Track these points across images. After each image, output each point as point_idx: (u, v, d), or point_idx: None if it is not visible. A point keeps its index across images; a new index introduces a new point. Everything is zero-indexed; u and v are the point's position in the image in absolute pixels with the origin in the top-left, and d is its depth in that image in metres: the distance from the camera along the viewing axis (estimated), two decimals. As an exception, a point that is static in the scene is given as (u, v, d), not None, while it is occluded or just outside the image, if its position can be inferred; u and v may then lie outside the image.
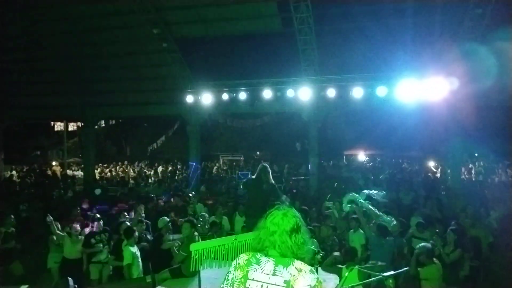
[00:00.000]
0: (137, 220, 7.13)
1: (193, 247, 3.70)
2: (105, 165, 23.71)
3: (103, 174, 20.09)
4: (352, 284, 2.60)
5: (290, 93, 12.72)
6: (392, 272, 2.82)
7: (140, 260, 6.02)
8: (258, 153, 29.27)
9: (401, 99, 12.09)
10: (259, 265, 2.21)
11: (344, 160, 25.50)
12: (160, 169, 21.18)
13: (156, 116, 21.13)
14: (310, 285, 2.13)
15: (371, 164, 25.15)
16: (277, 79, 13.16)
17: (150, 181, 17.46)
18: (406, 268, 3.43)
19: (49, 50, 14.78)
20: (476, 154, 20.92)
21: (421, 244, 5.62)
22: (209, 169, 21.76)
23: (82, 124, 16.78)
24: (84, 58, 15.03)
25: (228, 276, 2.29)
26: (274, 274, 2.16)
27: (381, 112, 15.90)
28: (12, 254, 7.47)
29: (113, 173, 20.63)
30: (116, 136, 29.83)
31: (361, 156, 26.68)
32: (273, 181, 6.19)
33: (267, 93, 12.79)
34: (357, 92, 12.21)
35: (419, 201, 10.32)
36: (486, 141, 16.29)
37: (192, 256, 3.66)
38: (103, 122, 27.96)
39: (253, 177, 6.28)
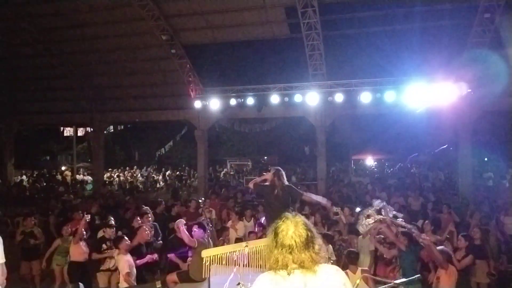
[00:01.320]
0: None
1: (205, 253, 3.72)
2: (114, 170, 23.91)
3: (111, 179, 20.25)
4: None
5: (297, 98, 12.75)
6: (403, 280, 2.82)
7: (134, 269, 6.04)
8: (265, 157, 29.32)
9: (410, 104, 12.08)
10: (286, 281, 2.13)
11: (352, 165, 25.40)
12: (168, 173, 21.29)
13: (164, 121, 21.27)
14: (343, 282, 2.16)
15: (379, 168, 25.02)
16: (284, 84, 13.21)
17: (158, 186, 17.54)
18: (418, 275, 3.42)
19: (59, 57, 14.99)
20: (486, 159, 20.74)
21: (439, 247, 5.57)
22: (217, 174, 21.85)
23: (91, 129, 16.94)
24: (94, 65, 15.22)
25: None
26: (305, 285, 2.12)
27: (389, 117, 15.85)
28: (31, 252, 7.67)
29: (121, 178, 20.76)
30: (125, 141, 30.05)
31: (369, 160, 26.56)
32: (286, 183, 5.91)
33: (274, 98, 12.84)
34: (365, 97, 12.21)
35: (428, 206, 10.23)
36: (495, 146, 16.17)
37: (203, 262, 3.67)
38: (111, 127, 28.16)
39: (266, 183, 5.98)
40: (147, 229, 6.48)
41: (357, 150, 25.54)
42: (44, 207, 11.75)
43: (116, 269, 6.35)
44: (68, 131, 25.75)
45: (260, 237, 7.37)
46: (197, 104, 13.54)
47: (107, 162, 23.98)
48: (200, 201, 4.90)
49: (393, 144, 22.06)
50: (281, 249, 2.16)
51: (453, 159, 13.49)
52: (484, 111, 12.33)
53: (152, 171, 23.92)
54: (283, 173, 5.97)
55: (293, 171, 21.14)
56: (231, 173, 22.92)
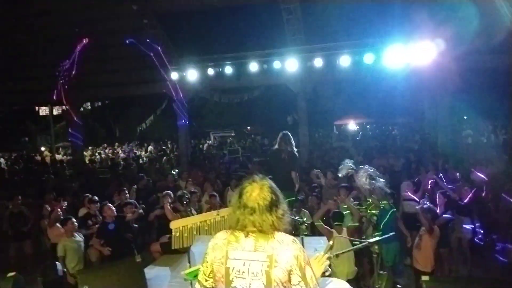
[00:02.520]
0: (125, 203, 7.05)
1: (173, 224, 3.63)
2: (95, 148, 23.51)
3: (93, 157, 19.91)
4: (337, 252, 2.57)
5: (276, 64, 12.50)
6: (377, 238, 2.80)
7: (79, 251, 6.01)
8: (248, 128, 29.19)
9: (389, 66, 11.99)
10: (239, 243, 2.14)
11: (335, 130, 25.52)
12: (150, 148, 21.03)
13: (144, 96, 20.77)
14: (294, 255, 2.08)
15: (361, 132, 25.21)
16: (262, 51, 12.90)
17: (141, 161, 17.33)
18: (392, 233, 3.43)
19: (28, 33, 14.26)
20: (466, 117, 21.04)
21: (426, 206, 5.65)
22: (200, 147, 21.68)
23: (67, 107, 16.45)
24: (64, 40, 14.54)
25: (207, 258, 2.22)
26: (256, 250, 2.10)
27: (370, 80, 15.77)
28: (21, 233, 7.65)
29: (103, 155, 20.43)
30: (104, 118, 29.43)
31: (352, 125, 26.73)
32: (294, 149, 5.99)
33: (253, 66, 12.55)
34: (345, 61, 12.04)
35: (410, 166, 10.36)
36: (474, 103, 16.35)
37: (173, 234, 3.59)
38: (89, 104, 27.46)
39: (275, 147, 6.07)
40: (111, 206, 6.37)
41: (339, 116, 25.64)
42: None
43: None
44: (44, 111, 25.02)
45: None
46: (174, 75, 13.18)
47: (87, 140, 23.57)
48: (173, 172, 4.76)
49: (374, 108, 22.16)
50: (243, 210, 2.14)
51: (433, 118, 13.57)
52: (463, 69, 12.34)
53: (134, 146, 23.58)
54: (291, 137, 5.96)
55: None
56: (215, 145, 22.78)
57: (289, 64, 12.40)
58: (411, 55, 11.27)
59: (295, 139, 16.17)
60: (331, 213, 5.56)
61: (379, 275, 3.55)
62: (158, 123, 27.69)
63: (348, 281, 4.68)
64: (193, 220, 3.73)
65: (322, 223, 5.34)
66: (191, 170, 11.95)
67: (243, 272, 2.09)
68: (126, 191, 7.88)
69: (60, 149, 25.39)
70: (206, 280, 2.21)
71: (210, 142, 24.13)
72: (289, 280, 2.08)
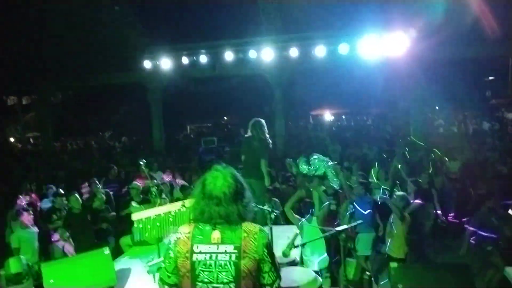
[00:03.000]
0: (94, 195, 6.87)
1: (135, 216, 3.51)
2: (66, 139, 22.85)
3: (64, 149, 19.36)
4: (305, 241, 2.55)
5: (252, 54, 12.36)
6: (345, 226, 2.79)
7: (34, 243, 5.84)
8: (225, 118, 29.00)
9: (364, 56, 12.07)
10: (204, 236, 2.08)
11: (311, 120, 25.68)
12: (124, 139, 20.61)
13: (117, 85, 20.24)
14: (263, 243, 2.07)
15: (338, 122, 25.49)
16: (238, 40, 12.73)
17: (114, 152, 16.98)
18: (359, 221, 3.44)
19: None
20: (437, 108, 21.55)
21: (400, 193, 5.72)
22: (176, 138, 21.41)
23: (35, 96, 15.87)
24: (30, 27, 13.92)
25: (169, 253, 2.13)
26: (222, 242, 2.06)
27: (345, 71, 15.87)
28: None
29: (74, 146, 19.89)
30: (76, 108, 28.53)
31: (328, 115, 26.98)
32: (266, 136, 5.76)
33: (228, 55, 12.38)
34: (320, 51, 12.04)
35: (382, 155, 10.52)
36: (445, 93, 16.71)
37: (135, 226, 3.48)
38: (59, 94, 26.60)
39: (247, 135, 5.84)
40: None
41: (316, 106, 25.81)
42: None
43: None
44: (12, 100, 24.09)
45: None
46: (147, 64, 12.81)
47: (58, 131, 22.87)
48: (141, 162, 4.60)
49: (350, 98, 22.38)
50: (208, 201, 2.07)
51: (406, 109, 13.81)
52: (434, 60, 12.58)
53: (107, 137, 23.05)
54: (263, 124, 5.74)
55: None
56: (191, 135, 22.54)
57: (264, 54, 12.27)
58: (384, 46, 11.37)
59: (272, 130, 16.21)
60: (302, 202, 5.55)
61: (348, 263, 3.57)
62: (135, 113, 27.07)
63: (321, 270, 4.72)
64: (157, 211, 3.61)
65: (292, 212, 5.32)
66: (165, 161, 11.78)
67: (210, 265, 2.04)
68: (97, 182, 7.68)
69: (31, 140, 24.58)
70: (169, 277, 2.13)
71: (186, 132, 23.84)
72: (258, 269, 2.06)
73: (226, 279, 2.00)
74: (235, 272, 2.00)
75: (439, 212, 6.69)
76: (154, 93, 14.31)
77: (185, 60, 12.57)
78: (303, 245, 2.54)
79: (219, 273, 2.01)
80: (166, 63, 12.72)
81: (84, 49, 14.58)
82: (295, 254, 2.84)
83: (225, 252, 2.03)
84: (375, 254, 6.19)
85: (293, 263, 2.76)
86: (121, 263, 4.71)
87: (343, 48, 11.86)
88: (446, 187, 7.58)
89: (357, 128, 20.23)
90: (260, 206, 3.74)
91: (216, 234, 2.06)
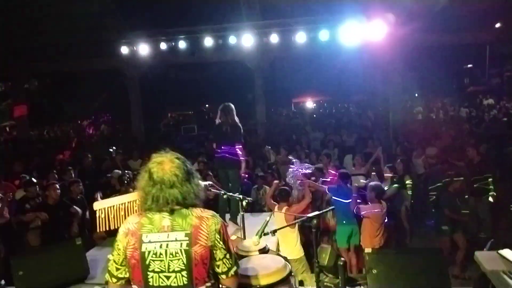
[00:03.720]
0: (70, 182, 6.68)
1: (97, 205, 3.40)
2: (43, 127, 22.26)
3: (41, 137, 18.87)
4: (275, 228, 2.52)
5: (232, 40, 12.20)
6: (316, 212, 2.77)
7: None
8: (207, 105, 28.72)
9: (344, 43, 12.04)
10: (153, 225, 2.01)
11: (293, 108, 25.69)
12: (103, 127, 20.22)
13: (95, 72, 19.72)
14: (216, 229, 2.01)
15: (320, 110, 25.54)
16: (218, 26, 12.52)
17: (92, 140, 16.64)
18: (331, 207, 3.43)
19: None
20: (416, 95, 21.79)
21: (373, 183, 5.71)
22: (157, 126, 21.08)
23: (9, 83, 15.34)
24: (3, 11, 13.35)
25: (118, 245, 2.05)
26: (173, 229, 1.99)
27: (326, 58, 15.85)
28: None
29: (51, 134, 19.42)
30: (53, 94, 27.75)
31: (309, 103, 27.03)
32: (237, 121, 5.49)
33: (208, 41, 12.18)
34: (300, 37, 11.97)
35: (361, 142, 10.61)
36: (424, 81, 16.90)
37: (97, 215, 3.37)
38: (36, 81, 25.79)
39: (217, 121, 5.56)
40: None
41: (298, 93, 25.81)
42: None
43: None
44: (-15, 87, 23.26)
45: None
46: (124, 49, 12.50)
47: (36, 119, 22.25)
48: (111, 150, 4.42)
49: (331, 86, 22.44)
50: (161, 186, 2.01)
51: (386, 96, 13.89)
52: (414, 47, 12.65)
53: (86, 125, 22.57)
54: (232, 108, 5.48)
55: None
56: (171, 123, 22.27)
57: (245, 40, 12.13)
58: (364, 32, 11.37)
59: (253, 117, 16.06)
60: (278, 190, 5.51)
61: (322, 249, 3.56)
62: (112, 101, 26.53)
63: (298, 259, 4.71)
64: (120, 200, 3.49)
65: (271, 200, 5.30)
66: (143, 149, 11.57)
67: (161, 254, 1.97)
68: (71, 171, 7.49)
69: (7, 129, 23.84)
70: (118, 269, 2.06)
71: (166, 120, 23.53)
72: (211, 256, 2.01)
73: (178, 267, 1.95)
74: (187, 260, 1.95)
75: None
76: (132, 80, 14.00)
77: (163, 45, 12.30)
78: (273, 233, 2.50)
79: (170, 261, 1.96)
80: (144, 49, 12.43)
81: (59, 34, 14.11)
82: (268, 241, 2.80)
83: (176, 240, 1.97)
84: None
85: (263, 251, 2.72)
86: (93, 254, 4.61)
87: (323, 35, 11.82)
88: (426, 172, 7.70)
89: (338, 115, 20.29)
90: (231, 194, 3.67)
91: (166, 222, 2.00)
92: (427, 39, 12.16)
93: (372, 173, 6.85)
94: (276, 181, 5.44)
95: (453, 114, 17.55)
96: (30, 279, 3.88)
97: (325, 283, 3.58)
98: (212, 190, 2.90)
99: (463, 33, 12.46)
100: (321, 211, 2.98)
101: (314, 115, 21.83)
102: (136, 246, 1.99)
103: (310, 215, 2.68)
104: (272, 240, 4.74)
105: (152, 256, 1.97)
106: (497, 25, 12.08)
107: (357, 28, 11.35)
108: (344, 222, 5.64)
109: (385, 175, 6.63)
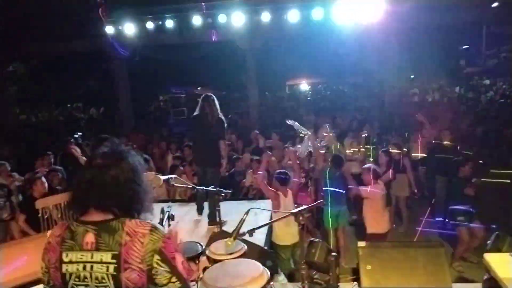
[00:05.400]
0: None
1: (40, 203, 2.98)
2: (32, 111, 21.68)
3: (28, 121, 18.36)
4: (254, 227, 2.19)
5: (222, 18, 11.71)
6: (304, 207, 2.44)
7: None
8: (199, 88, 28.13)
9: (338, 22, 11.59)
10: (75, 241, 1.59)
11: (287, 90, 25.23)
12: (92, 111, 19.72)
13: (82, 53, 19.08)
14: (153, 249, 1.56)
15: (312, 92, 25.14)
16: (206, 3, 11.97)
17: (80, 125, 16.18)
18: (320, 201, 3.10)
19: None
20: (412, 77, 21.41)
21: (367, 165, 5.47)
22: (146, 109, 20.60)
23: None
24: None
25: (41, 264, 1.65)
26: (97, 248, 1.57)
27: (320, 38, 15.35)
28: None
29: (41, 118, 18.91)
30: (41, 77, 27.01)
31: (304, 85, 26.55)
32: (220, 114, 5.12)
33: (196, 20, 11.67)
34: (293, 16, 11.51)
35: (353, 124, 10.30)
36: (420, 62, 16.51)
37: (40, 215, 2.97)
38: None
39: (196, 113, 5.13)
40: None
41: (292, 76, 25.30)
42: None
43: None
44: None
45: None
46: (109, 29, 11.98)
47: (24, 101, 21.69)
48: (76, 136, 3.95)
49: (326, 68, 21.94)
50: (85, 184, 1.59)
51: (381, 78, 13.52)
52: (410, 27, 12.24)
53: (74, 108, 22.02)
54: (214, 98, 5.07)
55: (227, 100, 20.53)
56: (162, 107, 21.78)
57: (235, 18, 11.66)
58: (359, 11, 10.92)
59: (246, 100, 15.58)
60: (275, 173, 5.18)
61: (312, 243, 3.24)
62: (100, 84, 25.89)
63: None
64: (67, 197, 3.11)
65: (266, 184, 4.96)
66: (132, 133, 11.20)
67: (85, 278, 1.57)
68: (51, 157, 7.10)
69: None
70: None
71: (157, 103, 23.02)
72: (151, 281, 1.57)
73: None
74: None
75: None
76: (118, 61, 13.46)
77: (150, 25, 11.79)
78: (251, 233, 2.16)
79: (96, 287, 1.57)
80: (129, 28, 11.92)
81: (43, 15, 13.48)
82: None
83: (101, 262, 1.56)
84: (347, 227, 6.01)
85: (239, 254, 2.39)
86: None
87: (317, 13, 11.37)
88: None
89: (332, 97, 19.93)
90: (203, 188, 3.31)
91: (89, 238, 1.58)
92: (423, 18, 11.73)
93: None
94: (260, 172, 5.07)
95: (450, 96, 17.26)
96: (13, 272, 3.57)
97: (314, 280, 3.26)
98: (176, 185, 2.54)
99: (460, 12, 12.04)
100: (307, 206, 2.65)
101: (309, 98, 21.47)
102: (57, 266, 1.59)
103: (295, 210, 2.35)
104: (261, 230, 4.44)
105: (74, 280, 1.58)
106: (494, 4, 11.65)
107: (352, 6, 10.92)
108: (331, 203, 5.48)
109: (380, 159, 6.30)
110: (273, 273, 3.49)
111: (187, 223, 5.10)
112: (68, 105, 24.62)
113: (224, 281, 1.99)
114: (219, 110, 5.10)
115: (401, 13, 10.94)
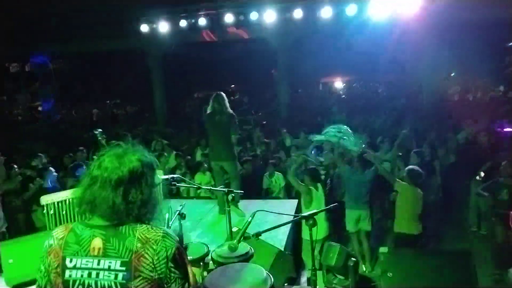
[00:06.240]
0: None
1: (44, 199, 2.98)
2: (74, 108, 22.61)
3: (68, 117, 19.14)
4: (259, 231, 2.11)
5: (253, 16, 11.70)
6: (314, 211, 2.34)
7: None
8: (232, 86, 28.27)
9: (374, 18, 11.27)
10: (80, 245, 1.49)
11: (320, 88, 24.85)
12: (129, 107, 20.29)
13: (120, 51, 19.65)
14: (168, 256, 1.47)
15: (347, 90, 24.63)
16: (239, 1, 11.98)
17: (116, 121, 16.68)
18: (335, 204, 2.99)
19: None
20: (453, 74, 20.48)
21: (410, 167, 5.21)
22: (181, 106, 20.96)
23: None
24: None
25: (40, 265, 1.55)
26: (105, 254, 1.47)
27: (354, 34, 14.95)
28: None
29: (79, 114, 19.67)
30: (83, 74, 28.11)
31: (338, 83, 26.06)
32: (230, 110, 5.19)
33: (228, 17, 11.72)
34: (326, 12, 11.31)
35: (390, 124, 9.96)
36: (461, 58, 15.75)
37: (45, 211, 2.99)
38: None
39: (208, 111, 5.23)
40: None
41: (326, 73, 24.86)
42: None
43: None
44: (14, 67, 23.78)
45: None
46: (144, 28, 12.26)
47: (67, 98, 22.65)
48: (96, 132, 3.98)
49: (360, 64, 21.38)
50: (87, 180, 1.53)
51: (418, 75, 13.00)
52: (451, 22, 11.68)
53: (112, 105, 22.73)
54: (224, 97, 5.23)
55: (259, 98, 20.51)
56: (197, 104, 22.08)
57: (267, 16, 11.61)
58: (395, 6, 10.55)
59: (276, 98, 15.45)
60: (307, 170, 5.13)
61: (330, 247, 3.13)
62: (137, 81, 26.59)
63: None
64: (74, 193, 3.09)
65: (296, 179, 4.93)
66: (163, 129, 11.42)
67: (90, 285, 1.47)
68: (84, 152, 7.35)
69: (39, 109, 24.43)
70: None
71: (191, 101, 23.35)
72: None
73: None
74: None
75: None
76: (154, 59, 13.75)
77: (183, 23, 11.95)
78: (257, 236, 2.09)
79: None
80: (163, 27, 12.14)
81: (81, 14, 13.98)
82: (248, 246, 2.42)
83: (109, 269, 1.46)
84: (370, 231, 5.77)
85: (243, 258, 2.33)
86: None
87: (351, 9, 11.11)
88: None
89: (368, 96, 19.41)
90: (212, 187, 3.27)
91: (96, 243, 1.48)
92: (464, 13, 11.13)
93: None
94: (297, 156, 5.07)
95: (492, 95, 16.37)
96: (21, 268, 3.68)
97: (333, 285, 3.16)
98: (178, 184, 2.51)
99: (505, 7, 11.34)
100: (319, 210, 2.55)
101: (343, 96, 21.06)
102: (59, 271, 1.49)
103: (306, 214, 2.25)
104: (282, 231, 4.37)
105: None
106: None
107: (387, 0, 10.58)
108: (353, 205, 5.32)
109: (411, 160, 6.03)
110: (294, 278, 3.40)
111: (207, 222, 5.11)
112: (107, 102, 25.47)
113: (224, 285, 1.95)
114: (229, 107, 5.21)
115: (440, 7, 10.47)
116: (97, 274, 1.46)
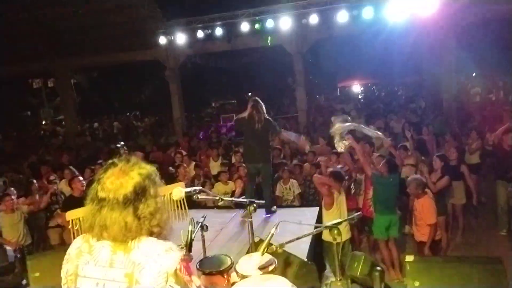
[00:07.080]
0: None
1: (70, 215, 3.06)
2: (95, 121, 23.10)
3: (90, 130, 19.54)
4: (282, 242, 2.07)
5: (269, 23, 11.74)
6: (338, 220, 2.29)
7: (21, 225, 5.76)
8: (249, 93, 28.35)
9: (390, 19, 11.13)
10: (92, 255, 1.55)
11: (338, 92, 24.67)
12: (147, 119, 20.57)
13: (139, 64, 19.98)
14: (168, 271, 1.48)
15: (365, 94, 24.37)
16: (254, 9, 12.05)
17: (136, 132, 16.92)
18: (358, 213, 2.92)
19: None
20: (474, 74, 20.01)
21: (412, 176, 5.13)
22: (200, 115, 21.14)
23: (56, 78, 15.91)
24: (46, 8, 13.69)
25: (62, 272, 1.63)
26: (111, 265, 1.51)
27: (371, 37, 14.80)
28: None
29: (101, 128, 20.06)
30: (102, 88, 28.73)
31: (356, 87, 25.83)
32: (267, 116, 5.41)
33: (244, 26, 11.79)
34: (342, 16, 11.25)
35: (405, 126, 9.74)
36: (483, 58, 15.38)
37: (70, 227, 3.05)
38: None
39: (244, 115, 5.41)
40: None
41: (343, 77, 24.70)
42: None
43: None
44: (37, 83, 24.46)
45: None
46: (162, 40, 12.45)
47: (86, 111, 23.16)
48: (119, 145, 4.03)
49: (379, 67, 21.15)
50: (96, 204, 1.55)
51: (437, 77, 12.72)
52: (469, 21, 11.43)
53: (132, 117, 23.10)
54: (262, 104, 5.38)
55: (277, 104, 20.49)
56: (214, 113, 22.23)
57: (282, 23, 11.64)
58: (413, 7, 10.39)
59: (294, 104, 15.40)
60: (331, 172, 5.09)
61: (355, 256, 3.06)
62: (156, 93, 27.01)
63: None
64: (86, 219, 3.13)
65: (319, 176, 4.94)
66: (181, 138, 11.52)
67: None
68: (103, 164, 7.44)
69: (63, 123, 25.03)
70: None
71: (208, 110, 23.53)
72: None
73: None
74: None
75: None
76: (171, 70, 13.92)
77: (200, 34, 12.08)
78: (281, 247, 2.05)
79: None
80: (181, 38, 12.30)
81: (99, 28, 14.29)
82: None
83: (113, 281, 1.50)
84: (399, 238, 5.64)
85: (267, 270, 2.29)
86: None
87: (367, 12, 11.02)
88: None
89: (387, 99, 19.14)
90: (233, 199, 3.24)
91: (105, 254, 1.53)
92: (485, 12, 10.88)
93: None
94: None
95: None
96: (47, 281, 3.73)
97: (358, 296, 3.08)
98: (200, 197, 2.50)
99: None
100: (343, 219, 2.50)
101: (362, 100, 20.84)
102: (73, 279, 1.57)
103: (329, 223, 2.20)
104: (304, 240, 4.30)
105: None
106: None
107: (405, 1, 10.42)
108: (383, 211, 5.19)
109: (435, 165, 5.88)
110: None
111: (229, 231, 5.08)
112: (127, 114, 25.94)
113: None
114: (265, 112, 5.38)
115: (459, 6, 10.26)
116: (104, 285, 1.51)
